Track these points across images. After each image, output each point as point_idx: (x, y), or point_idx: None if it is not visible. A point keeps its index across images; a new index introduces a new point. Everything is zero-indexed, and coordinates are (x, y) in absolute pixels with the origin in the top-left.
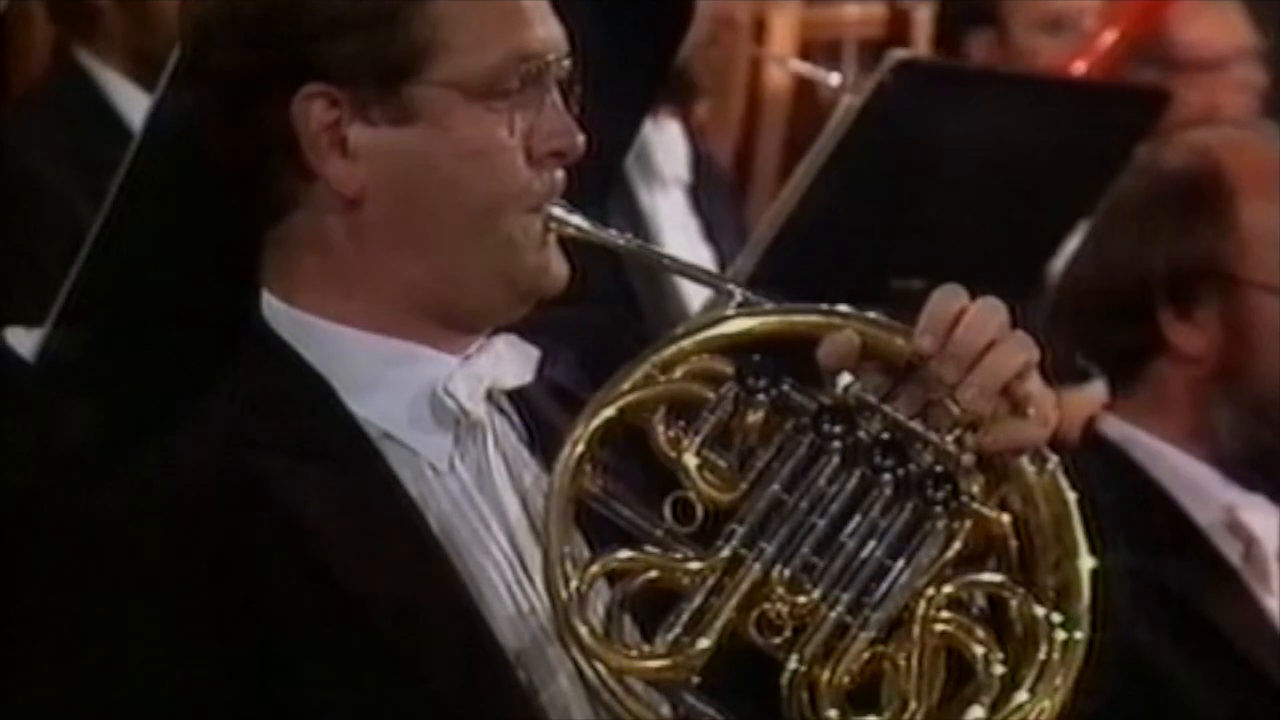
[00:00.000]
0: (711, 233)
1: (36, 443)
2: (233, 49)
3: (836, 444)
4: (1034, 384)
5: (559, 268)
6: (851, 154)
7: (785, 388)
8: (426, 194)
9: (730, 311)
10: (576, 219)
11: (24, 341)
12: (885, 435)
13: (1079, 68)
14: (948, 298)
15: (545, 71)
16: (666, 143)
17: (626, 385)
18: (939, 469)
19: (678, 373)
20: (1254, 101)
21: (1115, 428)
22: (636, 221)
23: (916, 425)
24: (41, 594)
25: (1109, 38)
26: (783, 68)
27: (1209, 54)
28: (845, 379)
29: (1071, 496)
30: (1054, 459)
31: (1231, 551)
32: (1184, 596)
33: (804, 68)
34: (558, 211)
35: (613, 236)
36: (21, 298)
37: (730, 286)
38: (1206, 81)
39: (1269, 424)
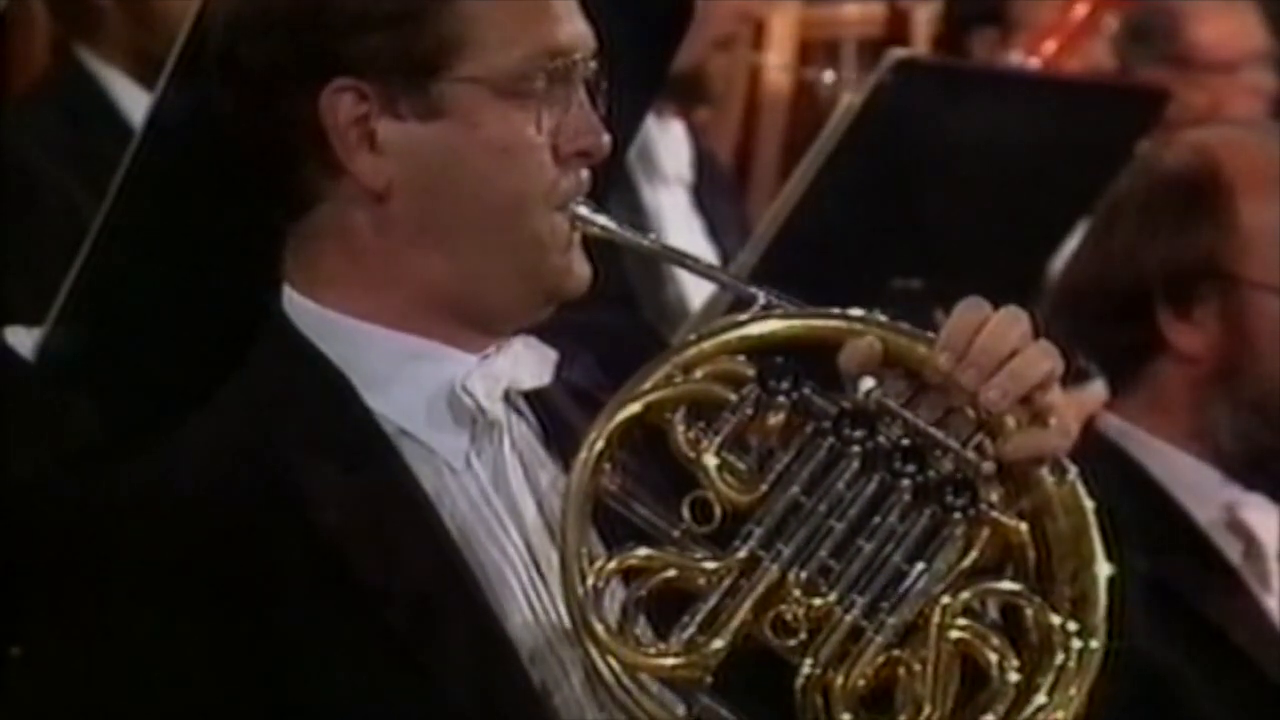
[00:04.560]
0: (714, 232)
1: (36, 443)
2: (262, 43)
3: (856, 448)
4: (1056, 394)
5: (582, 269)
6: (851, 153)
7: (806, 391)
8: (453, 190)
9: (752, 314)
10: (602, 219)
11: (24, 341)
12: (905, 441)
13: (1049, 46)
14: (969, 311)
15: (573, 69)
16: (669, 142)
17: (647, 385)
18: (958, 476)
19: (698, 373)
20: (1263, 106)
21: (1115, 427)
22: (640, 220)
23: (937, 432)
24: (49, 590)
25: (1079, 13)
26: (782, 73)
27: (1222, 56)
28: (867, 384)
29: (1090, 506)
30: (1073, 469)
31: (1231, 551)
32: (1184, 595)
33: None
34: (583, 211)
35: (638, 237)
36: (21, 298)
37: (753, 290)
38: (1217, 83)
39: (1268, 423)
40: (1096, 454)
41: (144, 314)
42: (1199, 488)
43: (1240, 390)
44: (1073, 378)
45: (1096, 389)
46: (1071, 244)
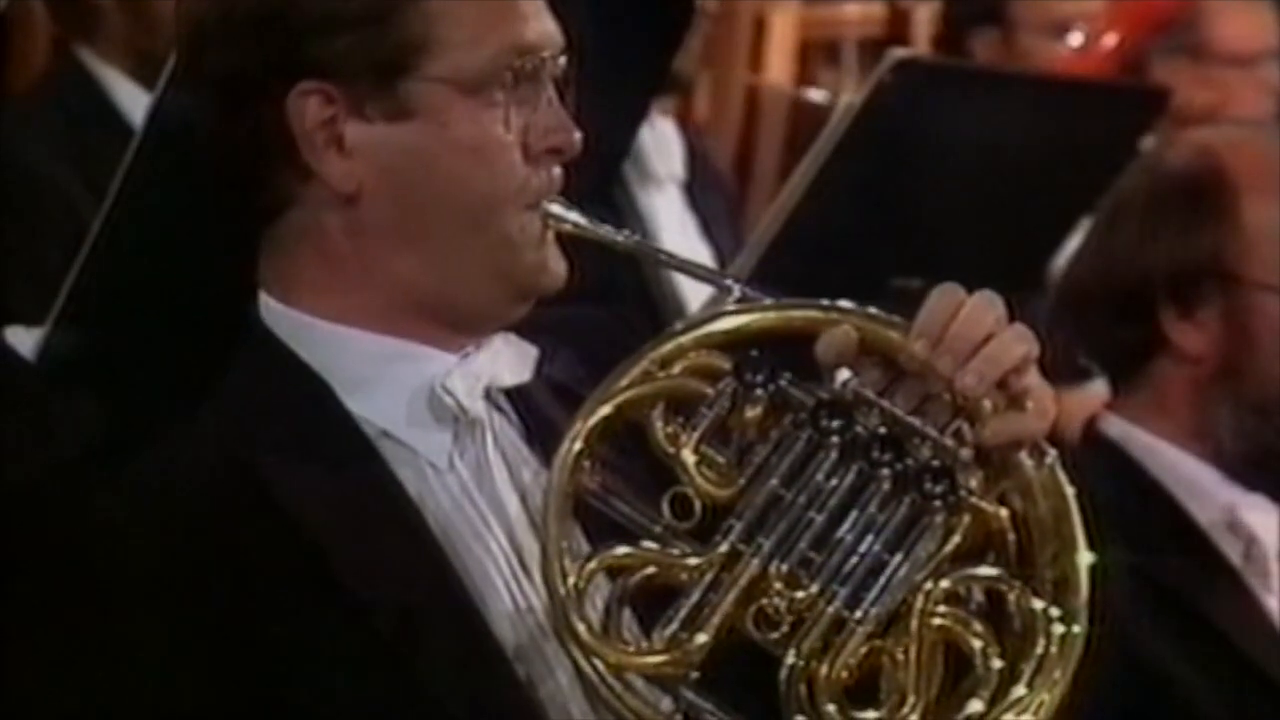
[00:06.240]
0: (708, 230)
1: (36, 443)
2: (228, 47)
3: (834, 439)
4: (1032, 377)
5: (557, 266)
6: (851, 153)
7: (783, 383)
8: (424, 190)
9: (728, 307)
10: (574, 215)
11: (24, 341)
12: (883, 430)
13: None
14: (943, 297)
15: (541, 68)
16: (660, 141)
17: (625, 381)
18: (937, 463)
19: (676, 368)
20: (1274, 102)
21: (1116, 426)
22: (633, 220)
23: (914, 420)
24: (40, 595)
25: (1109, 42)
26: (778, 91)
27: (1240, 50)
28: (843, 374)
29: (1070, 491)
30: (1053, 453)
31: (1231, 551)
32: (1184, 596)
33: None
34: (555, 208)
35: (610, 233)
36: (21, 298)
37: (729, 282)
38: (1231, 78)
39: (1270, 423)
40: (1097, 454)
41: (144, 314)
42: (1200, 488)
43: (1242, 391)
44: (1074, 376)
45: (1097, 389)
46: (1073, 244)
